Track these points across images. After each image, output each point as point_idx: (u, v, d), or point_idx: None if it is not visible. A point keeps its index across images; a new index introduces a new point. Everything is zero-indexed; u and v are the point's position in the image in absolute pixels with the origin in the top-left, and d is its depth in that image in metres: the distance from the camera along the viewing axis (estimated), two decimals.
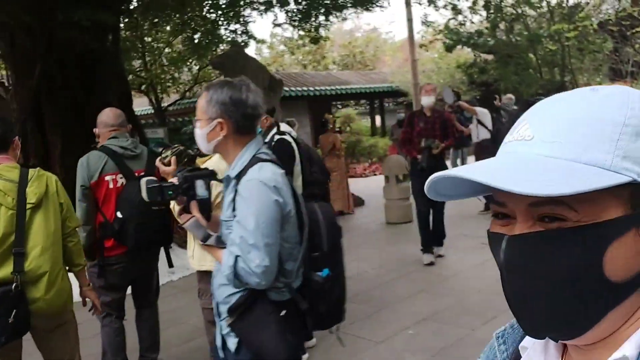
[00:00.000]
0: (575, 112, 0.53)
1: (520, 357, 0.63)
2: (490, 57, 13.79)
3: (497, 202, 0.56)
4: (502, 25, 12.53)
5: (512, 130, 0.58)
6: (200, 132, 1.95)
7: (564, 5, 12.01)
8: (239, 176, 1.90)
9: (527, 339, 0.61)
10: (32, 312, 2.45)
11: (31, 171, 2.57)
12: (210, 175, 2.06)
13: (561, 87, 10.66)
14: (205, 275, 3.23)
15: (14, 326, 2.38)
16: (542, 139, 0.53)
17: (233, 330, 1.97)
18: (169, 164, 2.56)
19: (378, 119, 21.07)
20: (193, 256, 3.12)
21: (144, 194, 1.95)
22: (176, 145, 2.68)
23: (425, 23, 14.26)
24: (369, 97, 20.25)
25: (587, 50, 12.07)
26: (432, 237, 5.69)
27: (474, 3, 11.94)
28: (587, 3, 12.11)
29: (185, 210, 1.97)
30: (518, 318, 0.55)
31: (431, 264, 5.53)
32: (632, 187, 0.50)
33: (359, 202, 9.88)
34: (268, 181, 1.87)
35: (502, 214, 0.56)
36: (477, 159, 8.28)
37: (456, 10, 12.06)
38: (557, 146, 0.51)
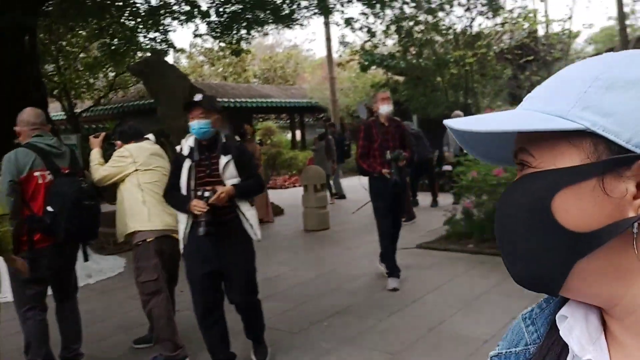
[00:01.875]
0: (565, 73, 0.56)
1: (554, 328, 0.59)
2: (402, 78, 14.69)
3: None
4: (412, 49, 13.43)
5: None
6: None
7: (467, 33, 13.13)
8: None
9: (566, 308, 0.57)
10: None
11: None
12: None
13: (465, 109, 11.63)
14: (143, 253, 3.47)
15: None
16: (529, 97, 0.57)
17: None
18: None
19: (298, 133, 21.58)
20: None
21: None
22: (108, 127, 3.02)
23: (343, 43, 14.98)
24: (289, 111, 20.67)
25: (488, 75, 13.24)
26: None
27: (388, 27, 12.75)
28: (489, 33, 13.28)
29: None
30: (506, 264, 0.56)
31: (394, 289, 4.99)
32: (592, 137, 0.49)
33: (278, 211, 10.19)
34: None
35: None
36: None
37: (371, 32, 12.80)
38: (530, 101, 0.55)
